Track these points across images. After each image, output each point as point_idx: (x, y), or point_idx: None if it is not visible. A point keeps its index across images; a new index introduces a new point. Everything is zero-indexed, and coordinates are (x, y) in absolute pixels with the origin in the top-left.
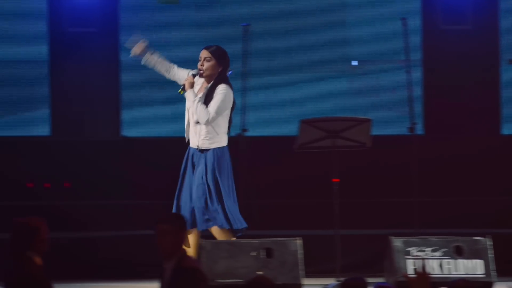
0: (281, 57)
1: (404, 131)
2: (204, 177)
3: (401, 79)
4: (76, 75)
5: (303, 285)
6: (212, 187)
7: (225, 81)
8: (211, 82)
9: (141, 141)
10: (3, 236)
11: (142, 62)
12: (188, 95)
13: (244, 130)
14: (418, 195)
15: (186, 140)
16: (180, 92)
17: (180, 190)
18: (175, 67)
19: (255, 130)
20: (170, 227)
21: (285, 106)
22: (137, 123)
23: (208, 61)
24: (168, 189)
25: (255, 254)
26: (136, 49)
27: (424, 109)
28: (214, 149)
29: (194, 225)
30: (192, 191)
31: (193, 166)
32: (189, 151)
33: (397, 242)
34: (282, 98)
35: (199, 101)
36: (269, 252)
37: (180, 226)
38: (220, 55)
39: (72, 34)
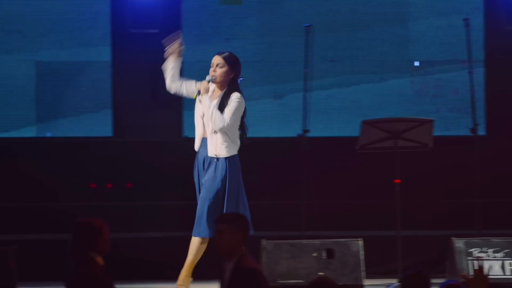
0: (343, 58)
1: (466, 132)
2: (211, 184)
3: (464, 80)
4: (138, 76)
5: (365, 286)
6: (220, 194)
7: (238, 89)
8: (224, 90)
9: None
10: (66, 236)
11: (164, 66)
12: (204, 100)
13: (306, 131)
14: (480, 196)
15: (197, 147)
16: (195, 96)
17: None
18: (183, 80)
19: (316, 131)
20: (228, 226)
21: (346, 106)
22: None
23: (221, 67)
24: None
25: (316, 255)
26: (171, 50)
27: (486, 110)
28: (228, 157)
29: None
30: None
31: (205, 173)
32: (199, 159)
33: (459, 243)
34: (343, 99)
35: (214, 107)
36: (330, 253)
37: (238, 227)
38: (232, 62)
39: (135, 35)
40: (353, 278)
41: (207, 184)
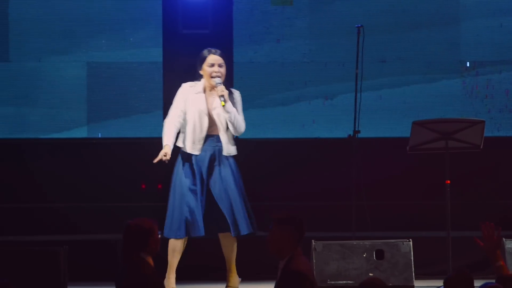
0: (393, 59)
1: None
2: (234, 181)
3: None
4: (189, 76)
5: (415, 286)
6: (241, 192)
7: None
8: (220, 83)
9: (253, 143)
10: (116, 237)
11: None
12: (229, 105)
13: (356, 131)
14: None
15: (190, 149)
16: (223, 104)
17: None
18: (176, 123)
19: (367, 131)
20: (278, 225)
21: (397, 107)
22: (249, 125)
23: (222, 66)
24: (279, 190)
25: (366, 255)
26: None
27: None
28: (235, 155)
29: (236, 230)
30: (221, 196)
31: (207, 173)
32: (204, 157)
33: (510, 244)
34: (394, 100)
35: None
36: (380, 254)
37: (289, 226)
38: (225, 59)
39: (186, 35)
40: (403, 279)
41: (228, 182)
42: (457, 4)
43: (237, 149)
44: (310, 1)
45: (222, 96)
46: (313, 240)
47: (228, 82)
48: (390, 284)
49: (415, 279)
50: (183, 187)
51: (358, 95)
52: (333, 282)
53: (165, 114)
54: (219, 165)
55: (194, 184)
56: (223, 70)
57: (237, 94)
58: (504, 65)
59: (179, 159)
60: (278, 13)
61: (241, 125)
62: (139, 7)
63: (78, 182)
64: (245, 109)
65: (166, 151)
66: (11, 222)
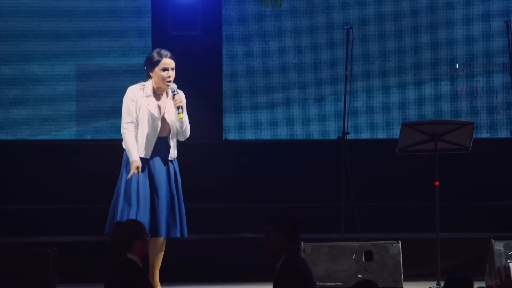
0: (383, 60)
1: (506, 134)
2: (176, 185)
3: (504, 82)
4: (178, 78)
5: None
6: (180, 195)
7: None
8: (170, 91)
9: (242, 144)
10: (106, 239)
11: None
12: (185, 114)
13: (346, 133)
14: None
15: (142, 153)
16: (181, 116)
17: (151, 200)
18: (132, 128)
19: (356, 133)
20: (273, 226)
21: (386, 109)
22: (238, 126)
23: (173, 70)
24: (267, 192)
25: (355, 257)
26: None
27: None
28: (176, 158)
29: (168, 233)
30: (161, 199)
31: (152, 176)
32: (152, 160)
33: (498, 246)
34: (383, 101)
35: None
36: (369, 256)
37: (284, 227)
38: None
39: (175, 37)
40: (392, 280)
41: (176, 185)
42: (445, 5)
43: (226, 150)
44: (300, 2)
45: (181, 107)
46: (302, 242)
47: (216, 84)
48: (379, 286)
49: (404, 280)
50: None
51: (347, 96)
52: (322, 284)
53: None
54: (167, 167)
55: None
56: (173, 73)
57: (182, 96)
58: (493, 67)
59: (126, 159)
60: (268, 14)
61: (188, 132)
62: (128, 9)
63: (67, 184)
64: (234, 110)
65: (138, 165)
66: (8, 223)
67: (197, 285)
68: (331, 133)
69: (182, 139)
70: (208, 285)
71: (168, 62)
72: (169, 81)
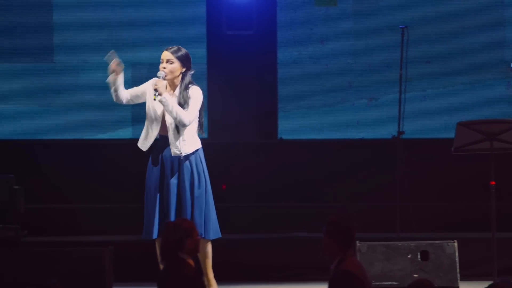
0: (438, 59)
1: None
2: (192, 184)
3: None
4: (233, 77)
5: None
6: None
7: (193, 82)
8: (180, 85)
9: (297, 144)
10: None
11: (108, 80)
12: (168, 98)
13: (401, 132)
14: None
15: (147, 147)
16: (154, 97)
17: (172, 202)
18: (128, 89)
19: (411, 132)
20: (328, 228)
21: (441, 108)
22: (293, 126)
23: (171, 63)
24: (322, 191)
25: (411, 256)
26: (113, 68)
27: None
28: (195, 152)
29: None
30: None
31: (171, 174)
32: (162, 158)
33: None
34: (439, 100)
35: (176, 105)
36: (425, 255)
37: (337, 228)
38: (182, 56)
39: (230, 37)
40: (448, 280)
41: (187, 184)
42: (501, 4)
43: (282, 149)
44: (354, 1)
45: (156, 90)
46: (357, 241)
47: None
48: (435, 286)
49: (460, 280)
50: (149, 188)
51: (402, 96)
52: (377, 283)
53: (208, 115)
54: (178, 165)
55: (157, 185)
56: (171, 65)
57: (195, 89)
58: None
59: (149, 161)
60: (322, 14)
61: (182, 117)
62: (183, 8)
63: (123, 182)
64: (289, 110)
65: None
66: (57, 222)
67: (251, 284)
68: (386, 132)
69: (178, 124)
70: (263, 285)
71: (164, 54)
72: (165, 73)
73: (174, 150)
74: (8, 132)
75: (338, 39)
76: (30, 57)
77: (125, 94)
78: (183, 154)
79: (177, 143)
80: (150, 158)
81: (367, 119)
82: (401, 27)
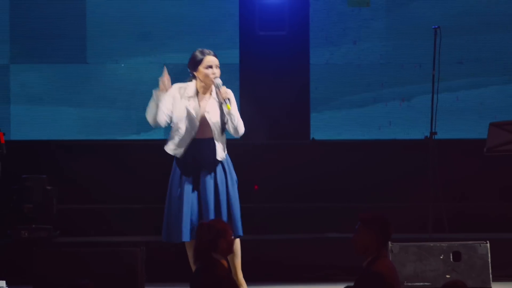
0: (471, 60)
1: None
2: (225, 185)
3: None
4: (265, 78)
5: None
6: (230, 195)
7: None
8: (215, 89)
9: (329, 144)
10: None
11: (155, 93)
12: (234, 107)
13: (433, 133)
14: None
15: (182, 153)
16: (228, 107)
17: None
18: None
19: (444, 133)
20: (364, 226)
21: (474, 109)
22: (325, 126)
23: (218, 67)
24: (354, 192)
25: (443, 257)
26: (165, 86)
27: None
28: (227, 156)
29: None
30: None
31: (208, 175)
32: (195, 161)
33: None
34: (471, 101)
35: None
36: (457, 256)
37: (375, 227)
38: None
39: (263, 37)
40: (480, 281)
41: (224, 184)
42: None
43: (314, 150)
44: (387, 2)
45: (228, 99)
46: (389, 242)
47: (303, 83)
48: (468, 286)
49: (493, 281)
50: (176, 191)
51: (435, 96)
52: (410, 284)
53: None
54: (214, 169)
55: (189, 188)
56: (218, 71)
57: (231, 94)
58: None
59: (174, 164)
60: (355, 14)
61: (242, 126)
62: (216, 9)
63: (157, 183)
64: (321, 110)
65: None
66: (89, 223)
67: (282, 284)
68: (418, 133)
69: (236, 134)
70: (294, 285)
71: (211, 59)
72: (215, 78)
73: (219, 153)
74: (40, 133)
75: (371, 40)
76: (63, 57)
77: (164, 116)
78: (222, 159)
79: (222, 146)
80: (174, 162)
81: (399, 120)
82: (434, 28)
